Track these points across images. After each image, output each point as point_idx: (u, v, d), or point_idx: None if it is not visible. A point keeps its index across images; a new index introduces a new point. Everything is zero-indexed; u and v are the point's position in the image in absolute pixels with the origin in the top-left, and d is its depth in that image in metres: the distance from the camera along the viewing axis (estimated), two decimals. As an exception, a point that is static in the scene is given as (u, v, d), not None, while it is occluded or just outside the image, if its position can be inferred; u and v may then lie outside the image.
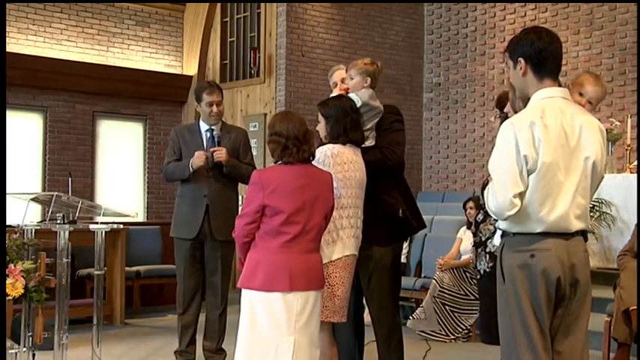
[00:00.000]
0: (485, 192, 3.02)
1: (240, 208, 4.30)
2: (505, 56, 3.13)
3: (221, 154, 5.08)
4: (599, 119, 3.16)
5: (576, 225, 2.95)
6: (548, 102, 2.97)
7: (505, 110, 3.78)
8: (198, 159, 5.07)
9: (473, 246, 6.70)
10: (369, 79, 4.30)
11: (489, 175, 3.07)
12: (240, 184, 5.35)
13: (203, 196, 5.14)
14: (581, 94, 3.45)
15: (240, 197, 5.24)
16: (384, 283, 4.31)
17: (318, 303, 3.73)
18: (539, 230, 2.92)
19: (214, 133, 5.22)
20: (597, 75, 3.83)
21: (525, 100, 3.09)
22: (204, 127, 5.28)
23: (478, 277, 6.57)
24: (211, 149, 5.14)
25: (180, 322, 5.29)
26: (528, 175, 2.90)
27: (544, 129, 2.88)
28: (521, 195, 2.90)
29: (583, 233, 3.01)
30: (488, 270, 6.19)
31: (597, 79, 3.63)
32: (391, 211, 4.26)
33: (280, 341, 3.59)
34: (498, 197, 2.91)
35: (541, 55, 2.99)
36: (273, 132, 3.73)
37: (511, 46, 3.08)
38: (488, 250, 6.28)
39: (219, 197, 5.17)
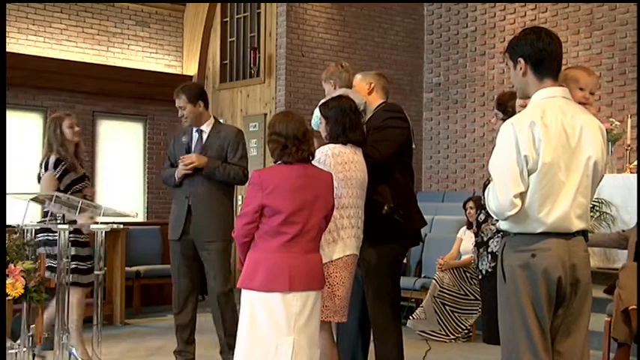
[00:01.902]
0: (486, 192, 3.02)
1: (235, 209, 4.30)
2: (505, 57, 3.13)
3: (190, 161, 5.07)
4: (599, 119, 3.16)
5: (577, 225, 2.95)
6: (548, 102, 2.97)
7: (520, 105, 3.73)
8: (181, 170, 5.12)
9: (474, 246, 6.70)
10: (331, 82, 4.61)
11: (490, 175, 3.07)
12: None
13: (185, 198, 5.16)
14: (581, 89, 3.44)
15: (240, 197, 5.25)
16: (378, 284, 4.31)
17: (318, 303, 3.73)
18: (540, 230, 2.92)
19: (192, 137, 5.23)
20: (583, 66, 3.84)
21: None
22: (194, 128, 5.28)
23: (480, 277, 6.56)
24: (180, 157, 5.13)
25: (176, 322, 5.31)
26: (529, 175, 2.90)
27: (544, 129, 2.88)
28: (521, 195, 2.90)
29: (584, 233, 3.01)
30: (490, 270, 6.18)
31: (587, 69, 3.64)
32: (379, 211, 4.26)
33: (280, 341, 3.58)
34: (499, 197, 2.91)
35: (541, 55, 2.99)
36: (272, 131, 3.74)
37: (511, 47, 3.08)
38: (490, 250, 6.27)
39: (202, 198, 5.13)
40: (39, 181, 5.46)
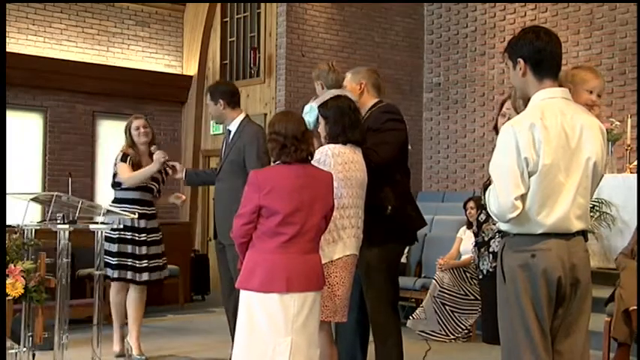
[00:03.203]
0: (487, 194, 3.01)
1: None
2: (505, 57, 3.12)
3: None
4: (599, 119, 3.15)
5: (577, 225, 2.94)
6: (548, 103, 2.96)
7: (506, 107, 3.75)
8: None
9: (474, 246, 6.70)
10: (319, 82, 4.63)
11: (490, 176, 3.07)
12: None
13: (212, 199, 5.16)
14: (590, 91, 3.43)
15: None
16: (378, 284, 4.31)
17: (317, 303, 3.72)
18: (540, 231, 2.91)
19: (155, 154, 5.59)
20: (591, 67, 3.82)
21: (526, 100, 3.08)
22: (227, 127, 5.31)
23: (480, 277, 6.58)
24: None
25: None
26: (529, 177, 2.89)
27: (544, 130, 2.88)
28: (522, 197, 2.89)
29: (583, 233, 3.01)
30: (490, 270, 6.19)
31: (595, 71, 3.63)
32: (382, 211, 4.25)
33: (277, 342, 3.58)
34: (500, 200, 2.90)
35: (540, 55, 2.98)
36: (272, 131, 3.73)
37: (510, 47, 3.07)
38: (491, 250, 6.28)
39: (221, 200, 5.10)
40: (113, 183, 5.93)
